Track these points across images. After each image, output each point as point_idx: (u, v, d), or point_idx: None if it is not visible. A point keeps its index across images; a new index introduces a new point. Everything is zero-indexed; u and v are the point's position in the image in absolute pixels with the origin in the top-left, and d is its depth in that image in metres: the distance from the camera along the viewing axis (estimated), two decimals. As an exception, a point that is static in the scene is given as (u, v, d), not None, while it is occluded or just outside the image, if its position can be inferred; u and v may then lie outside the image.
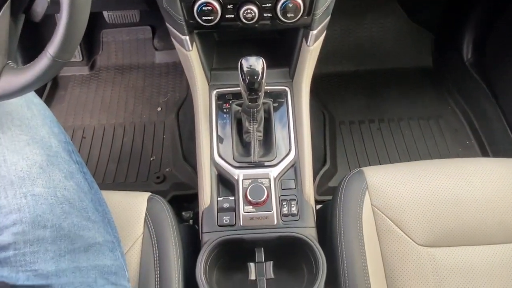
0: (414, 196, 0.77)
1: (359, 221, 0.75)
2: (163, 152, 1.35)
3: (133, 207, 0.76)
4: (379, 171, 0.81)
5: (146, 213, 0.76)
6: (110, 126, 1.44)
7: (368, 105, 1.46)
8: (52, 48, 0.49)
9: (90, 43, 1.59)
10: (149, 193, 0.79)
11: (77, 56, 1.56)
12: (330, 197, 0.85)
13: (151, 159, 1.36)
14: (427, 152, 1.35)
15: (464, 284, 0.72)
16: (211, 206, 0.80)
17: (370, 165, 1.27)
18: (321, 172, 1.26)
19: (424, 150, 1.35)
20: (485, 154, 1.34)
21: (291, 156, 0.83)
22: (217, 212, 0.79)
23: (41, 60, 0.49)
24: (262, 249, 0.76)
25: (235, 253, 0.78)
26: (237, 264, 0.78)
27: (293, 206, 0.79)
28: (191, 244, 0.81)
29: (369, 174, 0.80)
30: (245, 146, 0.85)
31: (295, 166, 0.83)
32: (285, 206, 0.79)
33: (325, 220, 0.81)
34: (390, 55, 1.55)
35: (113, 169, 1.33)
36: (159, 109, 1.48)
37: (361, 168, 0.82)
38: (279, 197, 0.79)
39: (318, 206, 0.89)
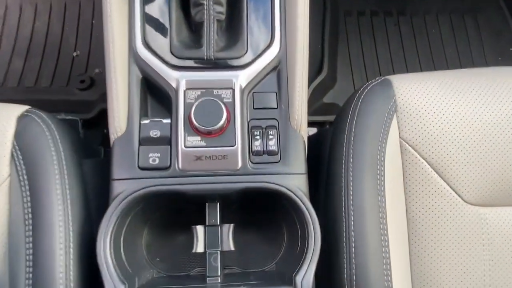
0: (464, 126, 0.57)
1: (379, 163, 0.55)
2: (91, 45, 1.14)
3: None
4: (414, 84, 0.60)
5: (13, 143, 0.55)
6: (15, 4, 1.19)
7: (386, -11, 1.31)
8: None
9: None
10: (23, 107, 0.58)
11: None
12: (323, 118, 0.71)
13: (74, 54, 1.15)
14: (457, 60, 1.19)
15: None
16: (129, 134, 0.58)
17: (380, 75, 1.10)
18: (315, 83, 1.07)
19: (453, 57, 1.19)
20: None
21: (274, 51, 0.60)
22: (139, 145, 0.58)
23: None
24: (218, 204, 0.59)
25: (171, 211, 0.62)
26: (176, 226, 0.62)
27: (272, 139, 0.58)
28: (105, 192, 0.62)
29: (399, 87, 0.59)
30: (194, 30, 0.62)
31: (279, 69, 0.61)
32: (257, 138, 0.58)
33: (319, 158, 0.66)
34: None
35: (18, 67, 1.12)
36: (85, -19, 1.23)
37: (387, 77, 0.61)
38: (248, 123, 0.59)
39: (309, 132, 0.71)
